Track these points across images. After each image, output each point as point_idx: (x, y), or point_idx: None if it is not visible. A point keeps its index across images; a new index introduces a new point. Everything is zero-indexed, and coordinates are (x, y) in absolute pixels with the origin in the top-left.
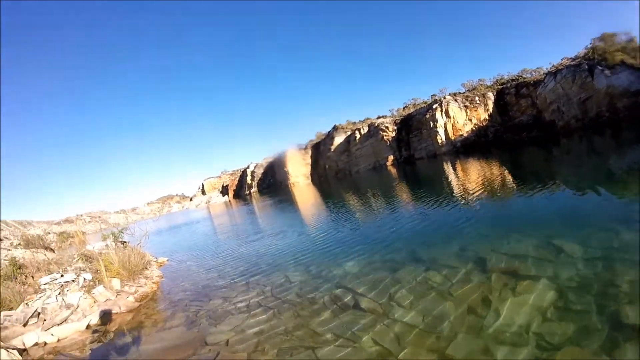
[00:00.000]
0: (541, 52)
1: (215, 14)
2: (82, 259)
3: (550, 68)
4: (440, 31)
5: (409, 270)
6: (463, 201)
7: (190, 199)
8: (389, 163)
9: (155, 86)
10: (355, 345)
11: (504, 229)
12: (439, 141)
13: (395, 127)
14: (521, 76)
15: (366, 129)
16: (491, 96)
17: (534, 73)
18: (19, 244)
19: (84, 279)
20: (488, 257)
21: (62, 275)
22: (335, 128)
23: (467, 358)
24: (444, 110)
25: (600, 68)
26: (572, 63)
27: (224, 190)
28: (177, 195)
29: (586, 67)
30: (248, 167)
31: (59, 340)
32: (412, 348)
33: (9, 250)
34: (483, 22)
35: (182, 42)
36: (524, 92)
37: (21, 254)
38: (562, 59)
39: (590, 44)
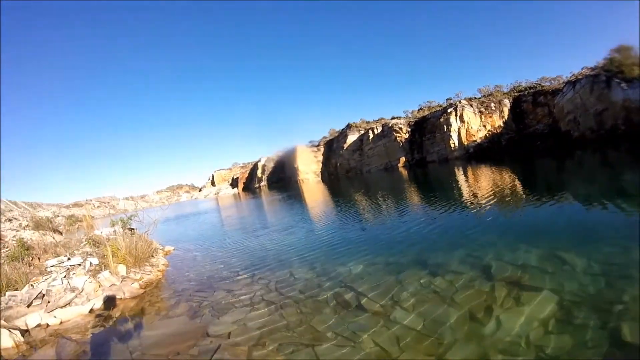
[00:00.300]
0: (564, 61)
1: (216, 14)
2: (90, 244)
3: (570, 77)
4: (457, 35)
5: (413, 273)
6: (472, 208)
7: (200, 190)
8: (400, 164)
9: (155, 86)
10: (355, 345)
11: (511, 238)
12: (452, 146)
13: (409, 129)
14: (539, 84)
15: (380, 128)
16: (507, 103)
17: (553, 82)
18: (28, 225)
19: (91, 263)
20: (493, 265)
21: (69, 259)
22: (349, 126)
23: None
24: (458, 114)
25: (617, 80)
26: (592, 73)
27: (234, 183)
28: (186, 185)
29: (604, 78)
30: (259, 161)
31: (61, 323)
32: (411, 351)
33: (18, 230)
34: (506, 26)
35: (182, 42)
36: (541, 100)
37: (29, 235)
38: (582, 69)
39: (609, 54)
